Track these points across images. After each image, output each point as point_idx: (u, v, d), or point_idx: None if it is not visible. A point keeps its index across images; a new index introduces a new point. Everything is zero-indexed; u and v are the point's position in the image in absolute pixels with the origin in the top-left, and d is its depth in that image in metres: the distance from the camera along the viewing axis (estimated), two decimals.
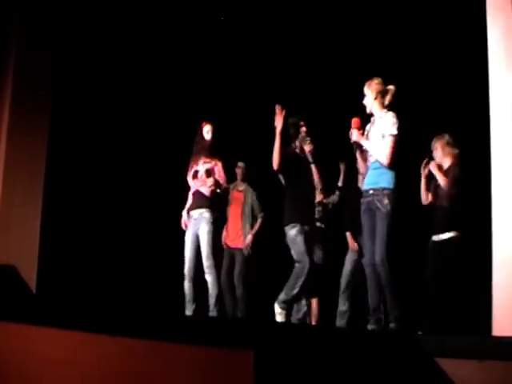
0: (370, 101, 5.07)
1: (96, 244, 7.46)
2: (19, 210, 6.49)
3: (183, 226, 6.19)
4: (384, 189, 4.94)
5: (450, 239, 5.69)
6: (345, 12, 6.96)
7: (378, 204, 4.93)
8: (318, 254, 6.76)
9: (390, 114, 5.02)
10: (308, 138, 5.63)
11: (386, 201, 4.91)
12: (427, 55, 6.69)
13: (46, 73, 6.77)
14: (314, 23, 7.17)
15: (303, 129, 5.65)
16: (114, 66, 7.59)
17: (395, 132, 4.94)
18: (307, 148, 5.64)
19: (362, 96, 5.12)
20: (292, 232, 5.42)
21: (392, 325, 4.81)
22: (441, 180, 5.80)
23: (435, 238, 5.81)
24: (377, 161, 5.02)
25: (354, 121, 5.09)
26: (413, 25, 6.68)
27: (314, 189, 5.93)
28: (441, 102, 6.69)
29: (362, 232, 5.27)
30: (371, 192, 5.02)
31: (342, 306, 6.50)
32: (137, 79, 7.77)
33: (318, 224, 6.88)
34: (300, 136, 5.63)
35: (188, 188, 6.30)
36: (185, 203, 6.27)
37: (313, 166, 5.76)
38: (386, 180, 4.97)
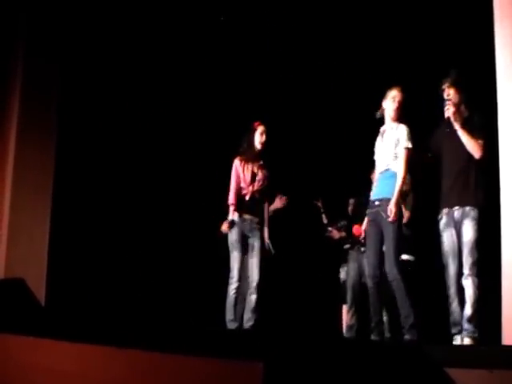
0: (391, 110, 5.05)
1: (105, 256, 7.46)
2: (28, 223, 6.50)
3: (225, 228, 5.76)
4: (390, 199, 4.87)
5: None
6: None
7: (384, 214, 4.85)
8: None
9: (403, 126, 5.03)
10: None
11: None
12: (433, 63, 6.68)
13: (52, 87, 6.78)
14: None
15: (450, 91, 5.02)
16: (121, 80, 7.60)
17: (410, 145, 4.95)
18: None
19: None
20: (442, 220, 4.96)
21: (407, 336, 4.74)
22: None
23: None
24: (387, 170, 5.01)
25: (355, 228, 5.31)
26: (418, 33, 6.68)
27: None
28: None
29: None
30: (377, 203, 4.98)
31: (350, 320, 6.45)
32: (145, 91, 7.79)
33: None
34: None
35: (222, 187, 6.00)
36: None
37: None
38: (392, 189, 4.90)
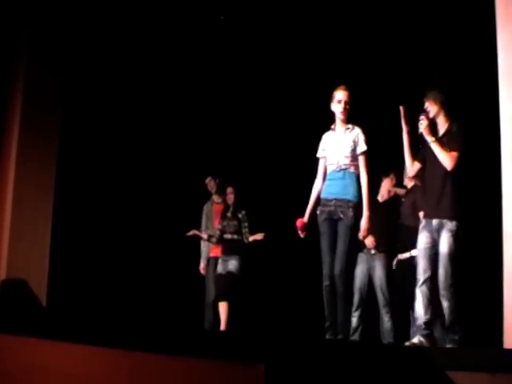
0: (338, 112, 5.04)
1: (107, 258, 7.46)
2: (29, 225, 6.50)
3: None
4: (349, 201, 4.93)
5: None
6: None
7: (342, 215, 4.90)
8: None
9: (358, 129, 5.06)
10: None
11: (351, 213, 4.90)
12: (436, 71, 6.69)
13: (54, 98, 6.78)
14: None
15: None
16: (123, 87, 7.62)
17: (366, 148, 5.00)
18: None
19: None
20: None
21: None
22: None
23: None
24: (344, 170, 5.02)
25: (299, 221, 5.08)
26: (420, 40, 6.67)
27: None
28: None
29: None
30: (333, 202, 4.98)
31: (355, 323, 6.39)
32: (147, 100, 7.81)
33: None
34: None
35: None
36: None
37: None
38: (352, 192, 4.96)
